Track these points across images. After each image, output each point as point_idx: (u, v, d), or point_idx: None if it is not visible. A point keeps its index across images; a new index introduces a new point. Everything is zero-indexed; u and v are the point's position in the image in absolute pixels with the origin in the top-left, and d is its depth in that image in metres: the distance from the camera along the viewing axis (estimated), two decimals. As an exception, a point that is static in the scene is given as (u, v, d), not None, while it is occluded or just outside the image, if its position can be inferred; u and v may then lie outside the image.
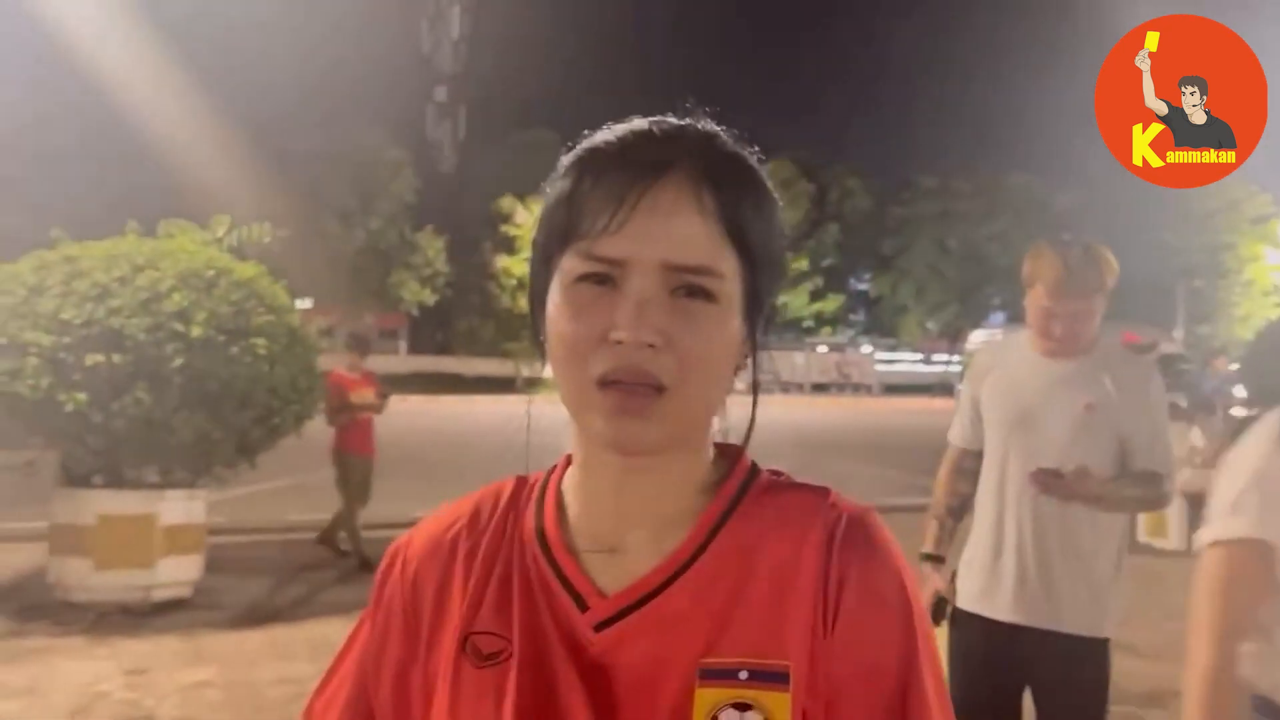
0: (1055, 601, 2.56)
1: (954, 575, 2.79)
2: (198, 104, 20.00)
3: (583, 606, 0.79)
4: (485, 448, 14.64)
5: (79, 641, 5.55)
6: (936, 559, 2.83)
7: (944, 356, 43.91)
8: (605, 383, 0.74)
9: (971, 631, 2.66)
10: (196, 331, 6.10)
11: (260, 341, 6.38)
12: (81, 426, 5.96)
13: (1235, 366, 12.48)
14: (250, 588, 6.86)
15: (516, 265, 38.37)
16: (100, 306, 6.00)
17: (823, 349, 43.90)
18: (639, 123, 0.79)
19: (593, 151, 0.79)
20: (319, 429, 7.47)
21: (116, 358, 5.91)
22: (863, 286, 49.54)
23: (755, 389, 0.86)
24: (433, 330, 43.96)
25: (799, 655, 0.75)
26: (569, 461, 0.87)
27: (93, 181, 22.43)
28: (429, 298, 40.74)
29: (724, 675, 0.74)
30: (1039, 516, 2.58)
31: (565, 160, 0.81)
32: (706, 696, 0.73)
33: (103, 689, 4.82)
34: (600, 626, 0.78)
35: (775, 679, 0.74)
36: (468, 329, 41.21)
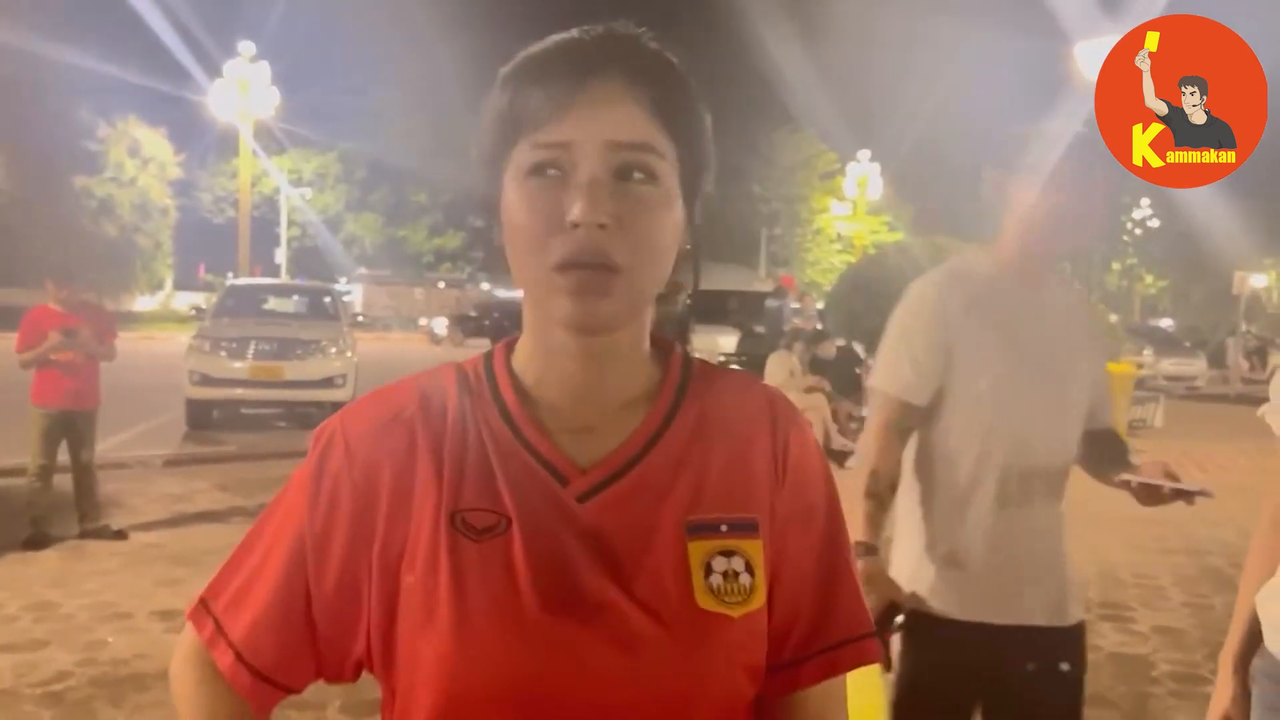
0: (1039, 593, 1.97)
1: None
2: None
3: (562, 481, 0.85)
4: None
5: None
6: (871, 549, 1.90)
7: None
8: (565, 266, 0.80)
9: (949, 639, 1.93)
10: None
11: None
12: None
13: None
14: None
15: (99, 186, 34.21)
16: None
17: (442, 285, 43.77)
18: (571, 32, 0.85)
19: (530, 58, 0.85)
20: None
21: None
22: (482, 223, 49.54)
23: (697, 272, 0.93)
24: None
25: (762, 508, 0.88)
26: (506, 347, 0.93)
27: None
28: (-14, 219, 35.16)
29: (708, 529, 0.85)
30: (1019, 496, 1.92)
31: (503, 72, 0.86)
32: (698, 548, 0.84)
33: None
34: (583, 498, 0.85)
35: (748, 529, 0.87)
36: (36, 255, 36.10)
